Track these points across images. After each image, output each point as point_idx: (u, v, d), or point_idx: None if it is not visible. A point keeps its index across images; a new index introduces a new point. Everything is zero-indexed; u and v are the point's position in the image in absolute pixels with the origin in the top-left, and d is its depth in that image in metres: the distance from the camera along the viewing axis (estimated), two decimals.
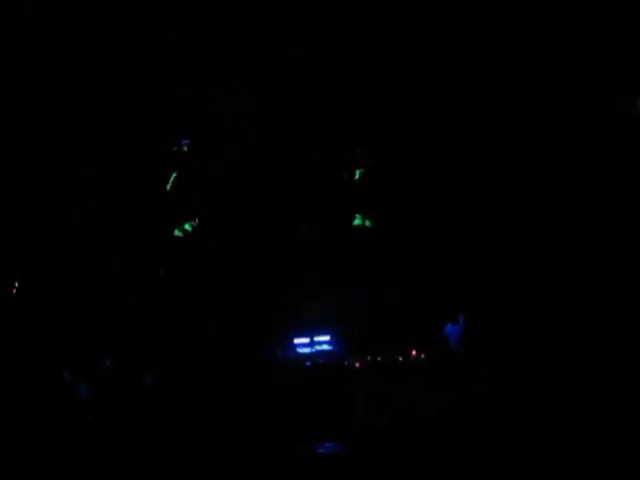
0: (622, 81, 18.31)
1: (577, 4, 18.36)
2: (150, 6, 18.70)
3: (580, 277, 17.29)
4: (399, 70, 19.01)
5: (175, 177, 18.84)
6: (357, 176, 19.20)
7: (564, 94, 18.44)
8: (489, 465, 13.84)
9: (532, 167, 18.35)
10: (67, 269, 17.97)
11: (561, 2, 18.46)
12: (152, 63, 18.90)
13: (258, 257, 18.47)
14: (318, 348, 17.32)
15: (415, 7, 18.91)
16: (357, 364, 16.77)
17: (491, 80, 18.68)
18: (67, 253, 18.12)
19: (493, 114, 18.64)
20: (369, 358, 16.83)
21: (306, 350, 17.28)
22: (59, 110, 18.64)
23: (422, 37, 18.93)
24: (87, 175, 18.84)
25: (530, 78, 18.56)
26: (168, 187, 18.85)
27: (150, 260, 18.35)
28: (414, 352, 16.86)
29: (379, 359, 16.82)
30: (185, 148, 19.29)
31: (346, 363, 16.84)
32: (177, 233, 18.73)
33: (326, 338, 17.35)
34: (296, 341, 17.29)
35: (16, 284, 17.92)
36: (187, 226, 18.70)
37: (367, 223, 18.94)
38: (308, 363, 16.92)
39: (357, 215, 18.95)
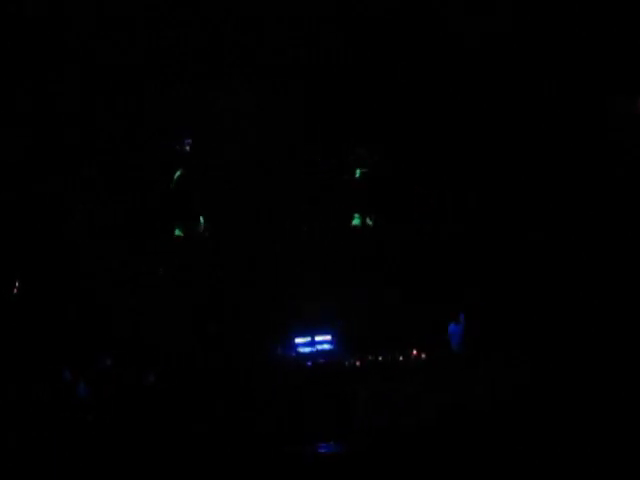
0: (622, 81, 18.31)
1: (577, 4, 18.36)
2: (150, 6, 18.70)
3: (580, 277, 17.28)
4: (399, 70, 19.01)
5: (179, 175, 18.83)
6: (357, 175, 19.20)
7: (564, 94, 18.44)
8: (489, 465, 13.84)
9: (532, 167, 18.35)
10: (67, 269, 17.95)
11: (561, 2, 18.46)
12: (152, 63, 18.90)
13: (258, 257, 18.45)
14: (319, 348, 17.31)
15: (415, 7, 18.91)
16: (358, 363, 16.77)
17: (491, 80, 18.68)
18: (67, 253, 18.10)
19: (493, 114, 18.64)
20: (370, 358, 16.83)
21: (307, 350, 17.27)
22: (59, 110, 18.63)
23: (422, 37, 18.93)
24: (87, 175, 18.82)
25: (530, 78, 18.56)
26: (172, 185, 18.84)
27: (150, 260, 18.33)
28: (415, 352, 16.86)
29: (380, 359, 16.82)
30: (185, 148, 19.27)
31: (347, 363, 16.84)
32: (177, 233, 18.71)
33: (327, 338, 17.34)
34: (297, 341, 17.28)
35: (17, 284, 17.89)
36: (201, 222, 18.70)
37: (369, 222, 18.93)
38: (309, 363, 16.91)
39: (355, 215, 18.95)
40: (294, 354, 17.19)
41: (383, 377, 16.30)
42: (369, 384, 16.05)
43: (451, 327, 17.14)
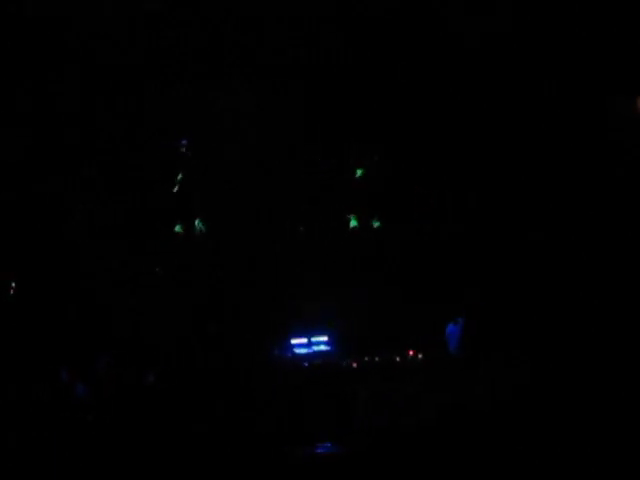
0: (622, 81, 18.31)
1: (577, 4, 18.35)
2: (150, 6, 18.70)
3: (580, 277, 17.28)
4: (399, 70, 19.01)
5: (181, 178, 18.87)
6: (358, 174, 19.20)
7: (564, 94, 18.43)
8: (489, 465, 13.83)
9: (532, 167, 18.34)
10: (67, 269, 17.96)
11: (561, 2, 18.46)
12: (152, 63, 18.90)
13: (258, 257, 18.46)
14: (316, 349, 17.31)
15: (415, 7, 18.91)
16: (354, 364, 16.77)
17: (491, 80, 18.67)
18: (67, 253, 18.11)
19: (493, 114, 18.64)
20: (366, 358, 16.83)
21: (303, 351, 17.27)
22: (59, 110, 18.64)
23: (422, 37, 18.92)
24: (87, 175, 18.83)
25: (530, 78, 18.55)
26: (175, 189, 18.88)
27: (150, 260, 18.34)
28: (411, 352, 16.86)
29: (377, 359, 16.82)
30: (185, 149, 19.28)
31: (344, 364, 16.84)
32: (177, 229, 18.73)
33: (324, 339, 17.34)
34: (293, 341, 17.28)
35: (14, 284, 17.90)
36: (198, 224, 18.71)
37: (375, 224, 18.94)
38: (306, 364, 16.91)
39: (352, 216, 18.95)
40: (290, 355, 17.20)
41: (383, 377, 16.30)
42: (369, 384, 16.06)
43: (449, 327, 17.14)
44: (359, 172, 19.27)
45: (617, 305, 16.72)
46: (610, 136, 18.31)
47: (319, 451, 15.02)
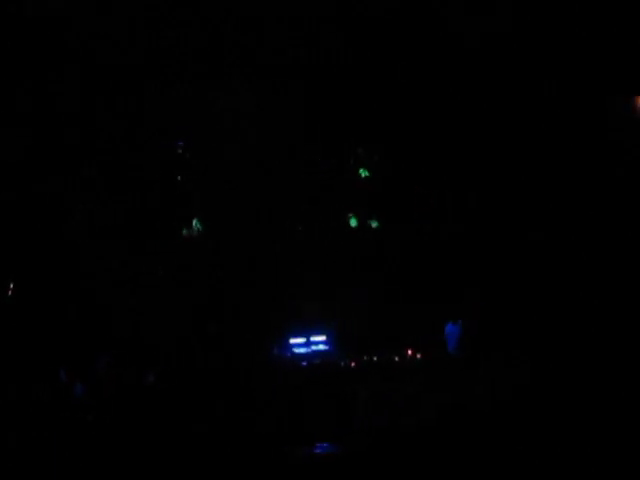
0: (622, 81, 18.31)
1: (577, 4, 18.35)
2: (150, 6, 18.70)
3: (580, 277, 17.29)
4: (399, 70, 19.01)
5: (181, 178, 18.88)
6: (359, 173, 19.21)
7: (564, 94, 18.43)
8: (489, 465, 13.83)
9: (532, 167, 18.35)
10: (67, 269, 17.96)
11: (561, 2, 18.46)
12: (152, 63, 18.90)
13: (258, 257, 18.46)
14: (314, 348, 17.30)
15: (415, 7, 18.91)
16: (353, 364, 16.77)
17: (491, 80, 18.67)
18: (67, 253, 18.11)
19: (493, 114, 18.64)
20: (365, 358, 16.83)
21: (302, 350, 17.27)
22: (59, 110, 18.63)
23: (422, 37, 18.92)
24: (87, 175, 18.83)
25: (530, 78, 18.55)
26: (175, 189, 18.89)
27: (150, 260, 18.34)
28: (410, 352, 16.86)
29: (375, 359, 16.82)
30: (185, 149, 19.29)
31: (342, 363, 16.84)
32: (185, 232, 18.76)
33: (322, 338, 17.34)
34: (292, 341, 17.28)
35: (12, 285, 17.90)
36: (196, 224, 18.72)
37: (369, 222, 18.94)
38: (304, 363, 16.91)
39: (351, 216, 18.95)
40: (289, 354, 17.20)
41: (383, 377, 16.30)
42: (369, 384, 16.06)
43: (448, 327, 17.15)
44: (363, 173, 19.28)
45: (617, 305, 16.73)
46: (610, 136, 18.32)
47: (319, 451, 15.02)
